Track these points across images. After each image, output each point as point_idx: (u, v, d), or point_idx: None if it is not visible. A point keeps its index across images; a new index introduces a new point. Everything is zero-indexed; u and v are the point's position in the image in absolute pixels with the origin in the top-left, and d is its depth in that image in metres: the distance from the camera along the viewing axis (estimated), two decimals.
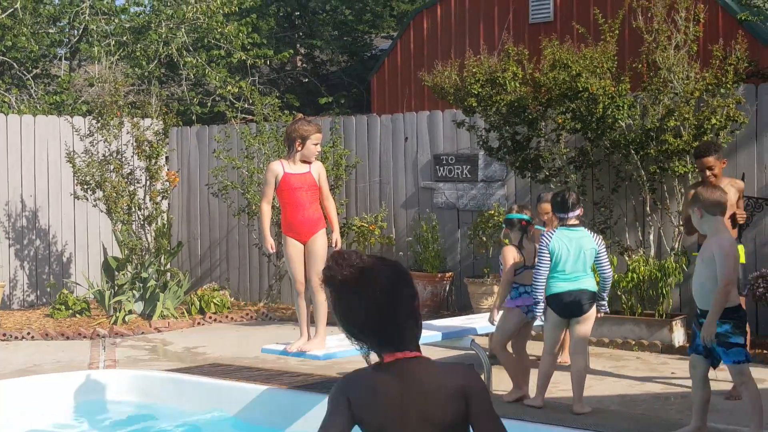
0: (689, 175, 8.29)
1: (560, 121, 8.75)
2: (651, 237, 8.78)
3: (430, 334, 6.90)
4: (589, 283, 6.02)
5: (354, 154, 11.14)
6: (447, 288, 10.36)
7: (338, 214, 11.06)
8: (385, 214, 10.84)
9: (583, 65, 8.48)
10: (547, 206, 7.01)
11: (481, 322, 7.14)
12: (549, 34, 9.48)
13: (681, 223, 6.71)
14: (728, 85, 8.23)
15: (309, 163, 6.37)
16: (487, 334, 7.19)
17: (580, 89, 8.43)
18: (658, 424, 5.70)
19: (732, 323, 5.12)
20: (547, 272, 5.96)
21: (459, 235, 10.47)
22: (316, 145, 6.32)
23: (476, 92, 9.03)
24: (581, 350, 6.10)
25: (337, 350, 6.43)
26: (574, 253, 5.98)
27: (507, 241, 6.64)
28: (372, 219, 10.71)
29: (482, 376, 6.70)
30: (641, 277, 8.28)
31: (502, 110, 9.01)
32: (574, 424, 5.63)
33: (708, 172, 6.57)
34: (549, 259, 5.95)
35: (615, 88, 8.42)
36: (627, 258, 8.55)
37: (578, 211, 6.10)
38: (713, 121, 8.16)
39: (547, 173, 9.04)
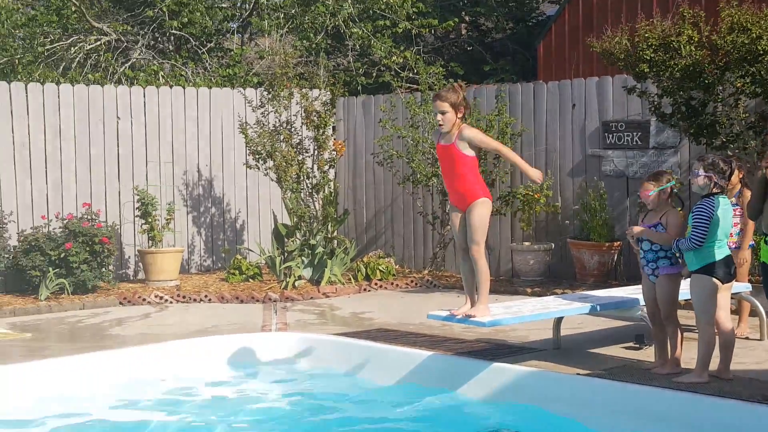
0: None
1: (739, 85, 8.35)
2: None
3: (599, 303, 6.79)
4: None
5: (520, 122, 11.01)
6: (615, 258, 10.13)
7: (503, 182, 10.99)
8: (551, 182, 10.69)
9: (764, 27, 8.05)
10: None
11: None
12: None
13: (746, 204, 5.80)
14: None
15: (456, 132, 6.24)
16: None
17: (761, 52, 8.01)
18: None
19: None
20: (704, 241, 5.76)
21: (628, 203, 10.19)
22: (435, 114, 6.27)
23: (648, 57, 8.73)
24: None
25: (503, 317, 6.41)
26: (727, 220, 5.86)
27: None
28: (537, 187, 10.57)
29: (651, 348, 6.53)
30: None
31: (675, 75, 8.68)
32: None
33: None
34: (709, 226, 5.76)
35: None
36: None
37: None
38: None
39: (724, 139, 8.66)
